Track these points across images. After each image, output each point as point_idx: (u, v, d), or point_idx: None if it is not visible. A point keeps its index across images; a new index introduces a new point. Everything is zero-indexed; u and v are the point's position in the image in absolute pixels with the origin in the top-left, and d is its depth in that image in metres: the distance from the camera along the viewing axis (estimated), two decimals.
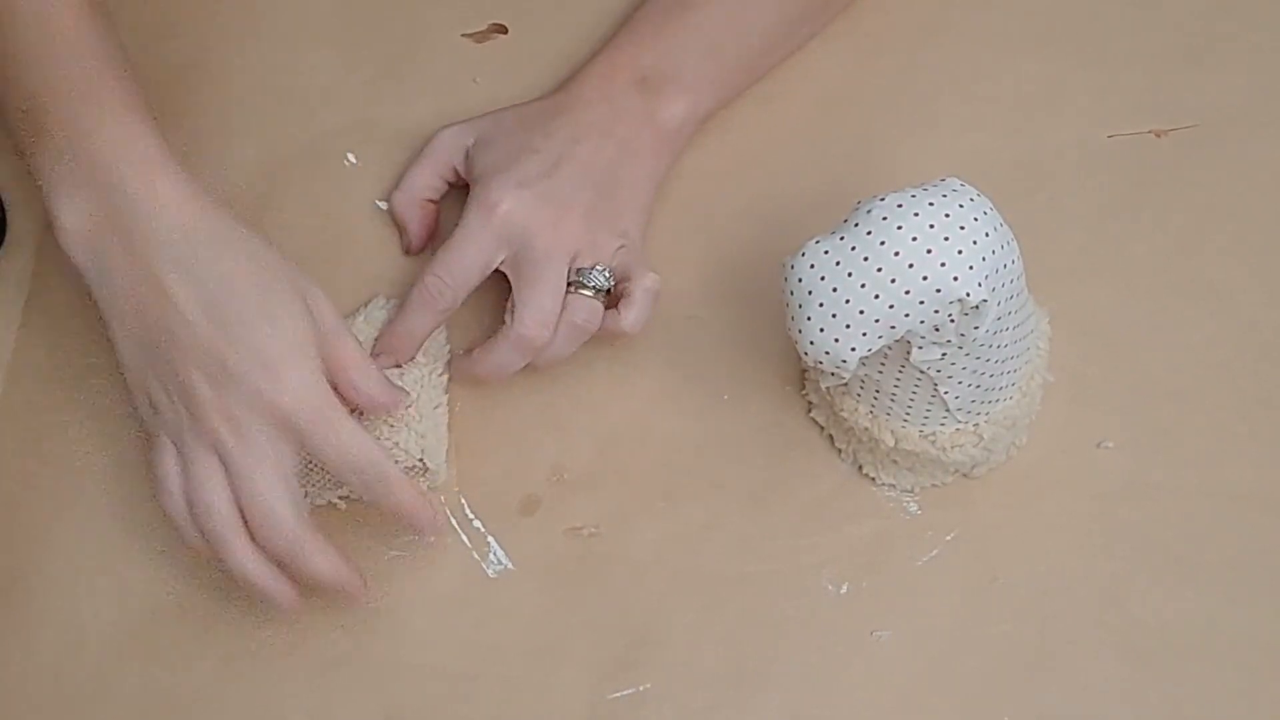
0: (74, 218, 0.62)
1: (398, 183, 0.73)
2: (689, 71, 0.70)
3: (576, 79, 0.71)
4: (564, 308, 0.67)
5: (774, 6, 0.72)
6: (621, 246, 0.68)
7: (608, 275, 0.67)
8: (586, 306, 0.67)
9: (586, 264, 0.67)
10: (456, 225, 0.68)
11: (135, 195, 0.62)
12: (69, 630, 0.68)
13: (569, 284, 0.67)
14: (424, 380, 0.69)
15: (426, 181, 0.72)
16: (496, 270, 0.68)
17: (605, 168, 0.68)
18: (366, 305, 0.72)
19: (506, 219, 0.66)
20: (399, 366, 0.69)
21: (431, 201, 0.73)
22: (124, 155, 0.63)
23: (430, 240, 0.74)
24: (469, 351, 0.70)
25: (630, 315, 0.67)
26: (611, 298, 0.68)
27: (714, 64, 0.71)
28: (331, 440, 0.61)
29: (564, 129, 0.69)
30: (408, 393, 0.66)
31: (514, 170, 0.67)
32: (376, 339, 0.69)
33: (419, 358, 0.69)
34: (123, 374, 0.64)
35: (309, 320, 0.62)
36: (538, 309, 0.66)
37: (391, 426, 0.67)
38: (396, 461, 0.66)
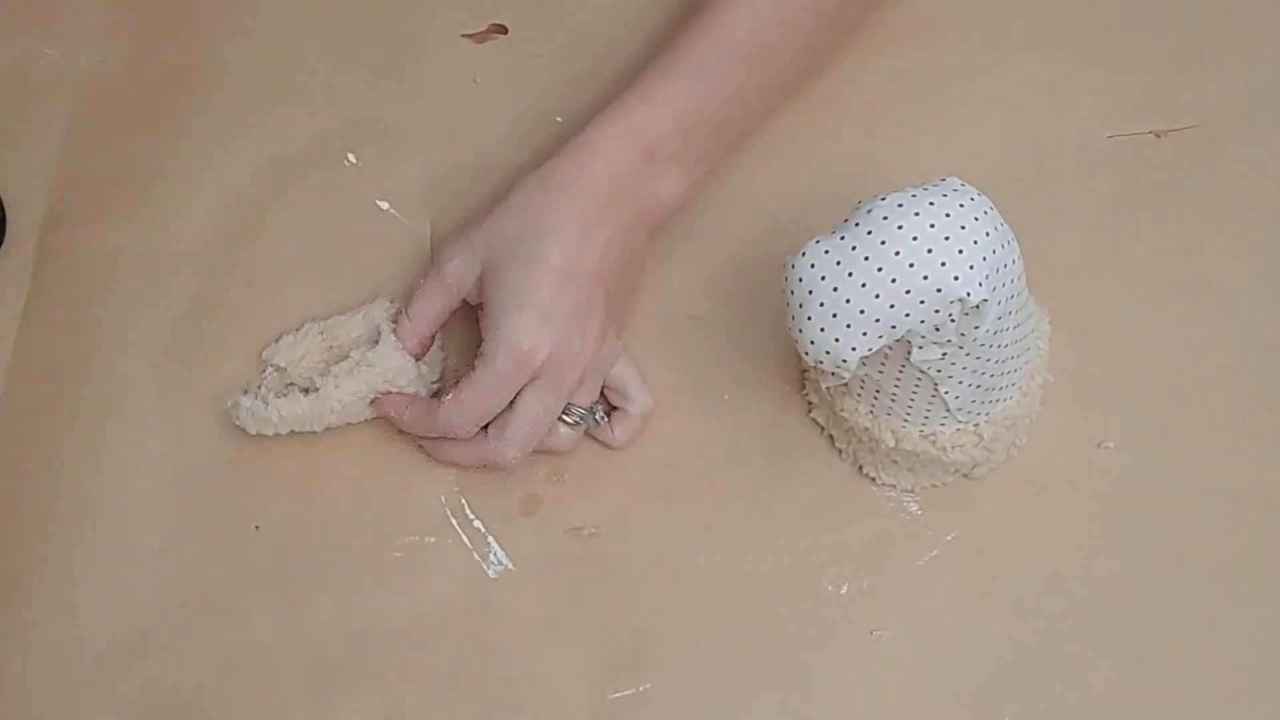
0: None
1: (406, 305, 0.69)
2: (694, 147, 0.69)
3: (589, 140, 0.67)
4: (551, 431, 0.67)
5: (780, 78, 0.71)
6: (620, 345, 0.69)
7: (597, 415, 0.68)
8: (568, 435, 0.68)
9: (586, 396, 0.67)
10: (479, 359, 0.65)
11: None
12: (69, 630, 0.68)
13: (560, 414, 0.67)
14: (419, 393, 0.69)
15: (436, 315, 0.69)
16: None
17: (613, 272, 0.67)
18: (371, 304, 0.72)
19: (536, 358, 0.64)
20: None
21: (431, 335, 0.70)
22: None
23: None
24: (439, 395, 0.68)
25: (622, 434, 0.69)
26: (607, 404, 0.70)
27: (718, 138, 0.70)
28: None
29: (574, 227, 0.65)
30: None
31: (536, 303, 0.64)
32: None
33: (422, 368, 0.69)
34: None
35: None
36: (525, 438, 0.66)
37: None
38: None
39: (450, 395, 0.65)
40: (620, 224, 0.67)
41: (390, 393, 0.68)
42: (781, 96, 0.73)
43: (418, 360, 0.69)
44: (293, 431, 0.69)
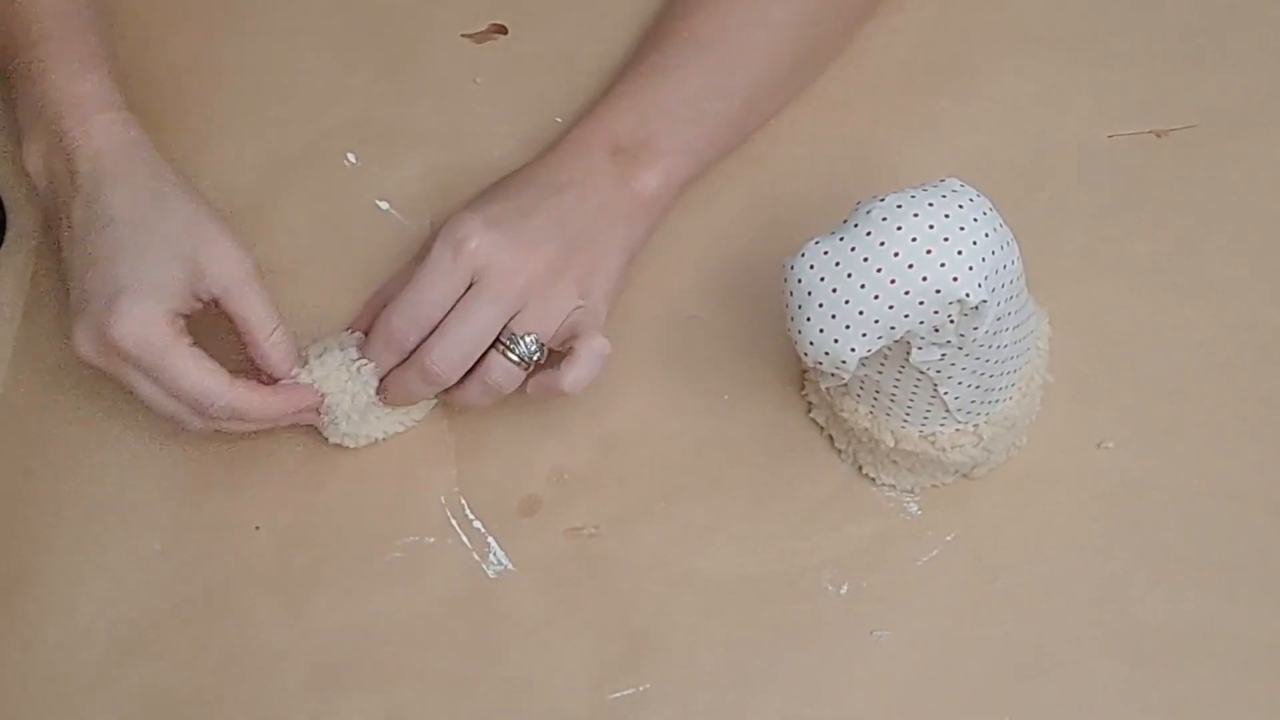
0: (33, 160, 0.67)
1: (384, 286, 0.71)
2: (665, 138, 0.69)
3: (554, 147, 0.70)
4: (484, 364, 0.65)
5: (757, 66, 0.71)
6: (579, 307, 0.66)
7: (536, 347, 0.65)
8: (503, 369, 0.65)
9: (529, 324, 0.65)
10: (420, 261, 0.66)
11: (71, 137, 0.65)
12: (69, 630, 0.68)
13: (498, 340, 0.65)
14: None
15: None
16: None
17: (578, 225, 0.66)
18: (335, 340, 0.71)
19: (474, 255, 0.64)
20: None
21: None
22: (66, 99, 0.66)
23: None
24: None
25: (571, 374, 0.64)
26: (557, 354, 0.66)
27: (692, 130, 0.70)
28: (164, 375, 0.63)
29: (538, 187, 0.67)
30: (317, 392, 0.67)
31: (483, 210, 0.66)
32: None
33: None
34: None
35: (185, 265, 0.63)
36: (452, 350, 0.65)
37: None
38: None
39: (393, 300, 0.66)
40: (587, 196, 0.67)
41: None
42: (771, 85, 0.72)
43: None
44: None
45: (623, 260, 0.69)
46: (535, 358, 0.66)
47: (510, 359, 0.65)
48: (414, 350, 0.66)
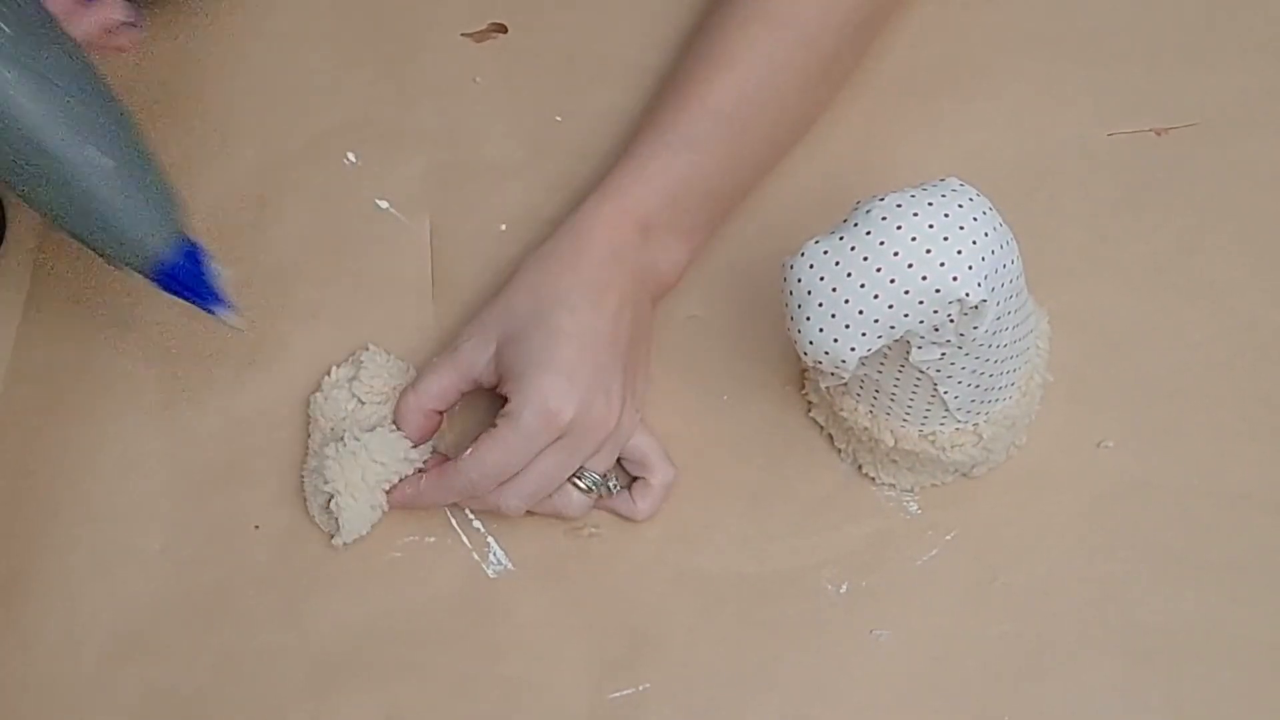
0: None
1: (415, 383, 0.68)
2: (688, 218, 0.69)
3: (583, 222, 0.68)
4: (560, 495, 0.66)
5: (771, 140, 0.71)
6: (638, 416, 0.68)
7: (612, 484, 0.68)
8: (580, 502, 0.67)
9: (601, 464, 0.66)
10: (504, 417, 0.64)
11: None
12: (69, 630, 0.68)
13: (573, 477, 0.66)
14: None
15: (444, 393, 0.68)
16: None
17: (626, 340, 0.67)
18: (359, 360, 0.71)
19: (558, 416, 0.64)
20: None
21: (438, 412, 0.69)
22: None
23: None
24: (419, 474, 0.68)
25: (645, 506, 0.68)
26: (626, 476, 0.69)
27: (711, 207, 0.70)
28: None
29: (583, 299, 0.66)
30: None
31: (558, 367, 0.64)
32: (393, 491, 0.68)
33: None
34: None
35: None
36: (532, 492, 0.65)
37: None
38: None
39: (470, 451, 0.65)
40: (625, 294, 0.67)
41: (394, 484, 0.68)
42: (773, 158, 0.73)
43: (416, 445, 0.68)
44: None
45: (651, 342, 0.71)
46: (612, 491, 0.68)
47: (580, 487, 0.67)
48: None
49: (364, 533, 0.68)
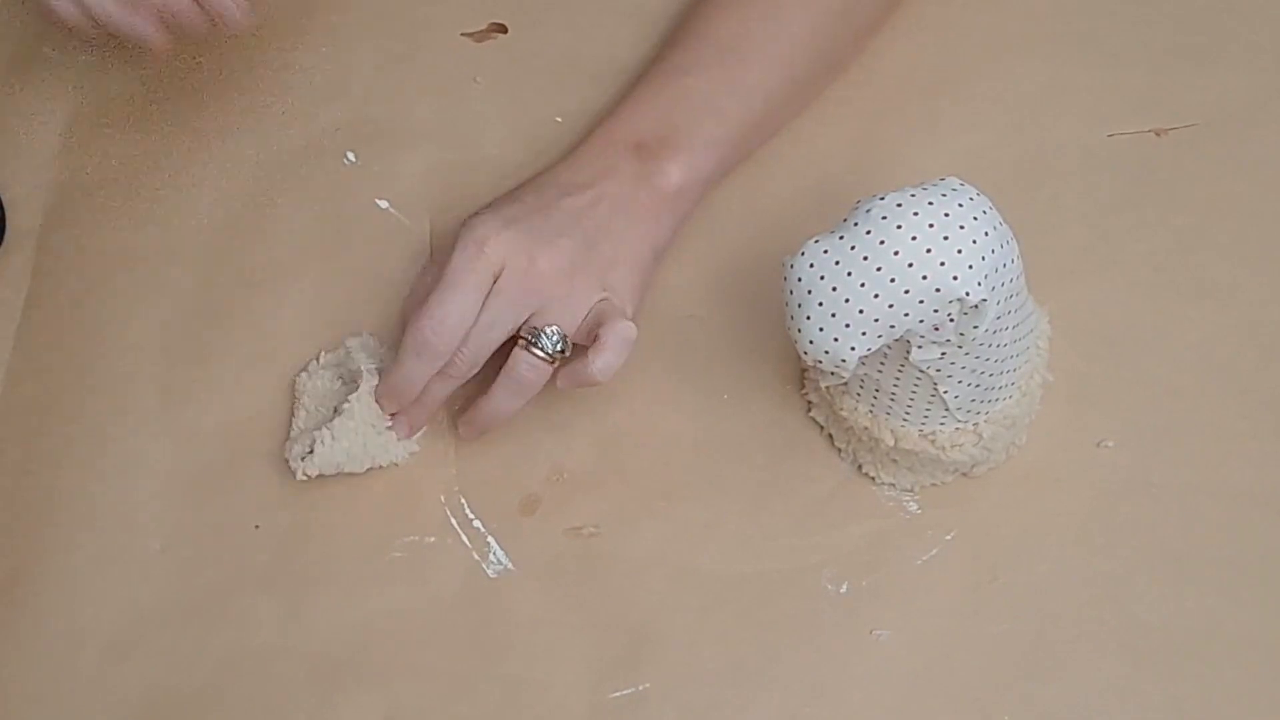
0: None
1: (408, 295, 0.71)
2: (685, 134, 0.69)
3: (578, 147, 0.70)
4: (509, 362, 0.66)
5: (776, 70, 0.71)
6: (603, 299, 0.66)
7: (559, 338, 0.65)
8: (529, 364, 0.65)
9: (550, 319, 0.65)
10: (443, 267, 0.66)
11: None
12: (69, 630, 0.68)
13: (520, 338, 0.65)
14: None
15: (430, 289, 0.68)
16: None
17: (597, 220, 0.67)
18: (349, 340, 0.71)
19: (484, 246, 0.64)
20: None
21: None
22: None
23: None
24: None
25: (599, 360, 0.64)
26: (581, 350, 0.66)
27: (713, 126, 0.70)
28: None
29: (558, 186, 0.68)
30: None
31: (502, 209, 0.66)
32: (380, 389, 0.68)
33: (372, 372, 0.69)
34: None
35: None
36: (472, 343, 0.65)
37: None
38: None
39: (417, 311, 0.65)
40: (606, 193, 0.67)
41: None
42: (787, 91, 0.72)
43: None
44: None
45: (646, 255, 0.69)
46: (559, 349, 0.66)
47: (535, 354, 0.65)
48: (447, 358, 0.66)
49: (328, 471, 0.68)
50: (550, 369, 0.66)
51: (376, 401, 0.69)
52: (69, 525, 0.70)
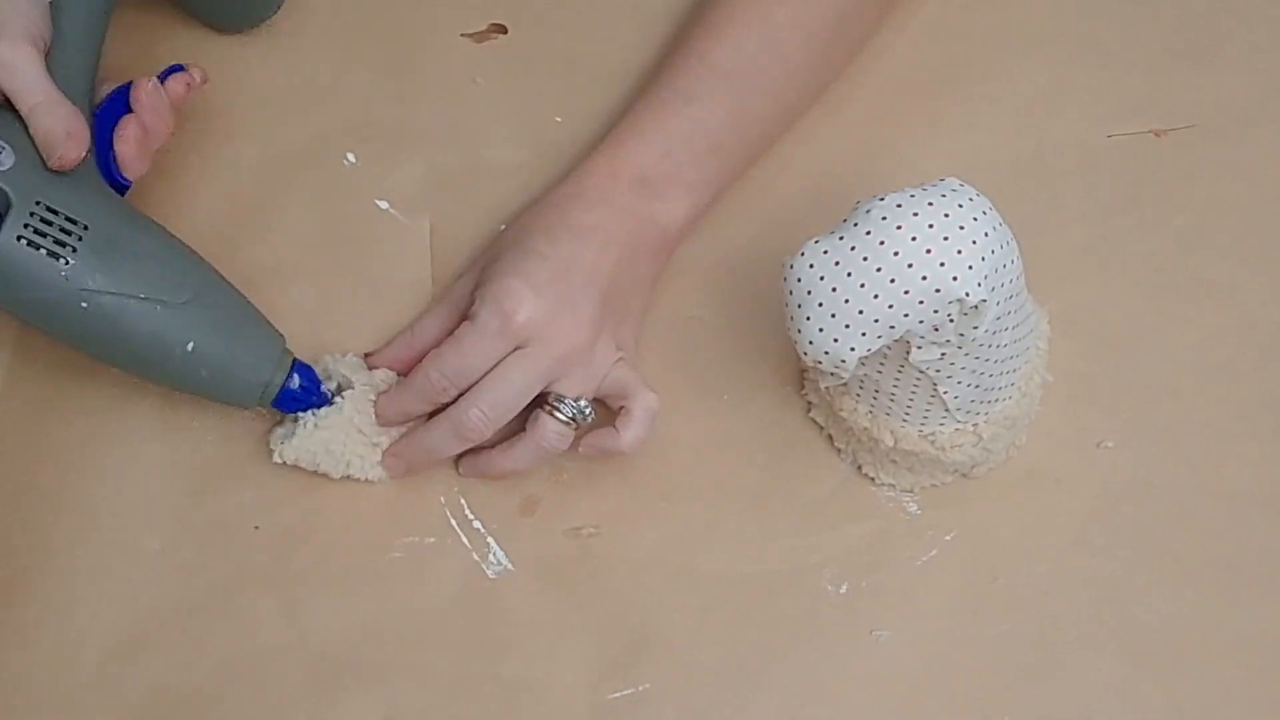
0: None
1: (412, 324, 0.71)
2: (690, 171, 0.69)
3: (578, 175, 0.69)
4: (535, 426, 0.66)
5: (773, 99, 0.71)
6: (620, 359, 0.67)
7: (588, 409, 0.66)
8: (556, 431, 0.66)
9: (574, 388, 0.66)
10: (459, 315, 0.67)
11: None
12: (69, 630, 0.68)
13: (546, 405, 0.66)
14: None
15: (442, 330, 0.69)
16: None
17: (609, 274, 0.67)
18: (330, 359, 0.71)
19: (524, 326, 0.64)
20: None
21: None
22: None
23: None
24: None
25: (629, 434, 0.66)
26: (610, 416, 0.67)
27: (715, 162, 0.70)
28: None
29: (566, 233, 0.67)
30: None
31: (525, 275, 0.65)
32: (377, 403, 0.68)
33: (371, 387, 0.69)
34: None
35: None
36: (491, 410, 0.65)
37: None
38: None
39: (432, 352, 0.66)
40: (613, 236, 0.67)
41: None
42: (781, 118, 0.73)
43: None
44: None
45: (647, 299, 0.70)
46: (586, 417, 0.66)
47: (560, 419, 0.66)
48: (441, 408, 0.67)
49: (305, 463, 0.68)
50: (573, 435, 0.67)
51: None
52: (69, 525, 0.70)
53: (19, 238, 0.62)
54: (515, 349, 0.65)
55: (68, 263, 0.62)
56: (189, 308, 0.65)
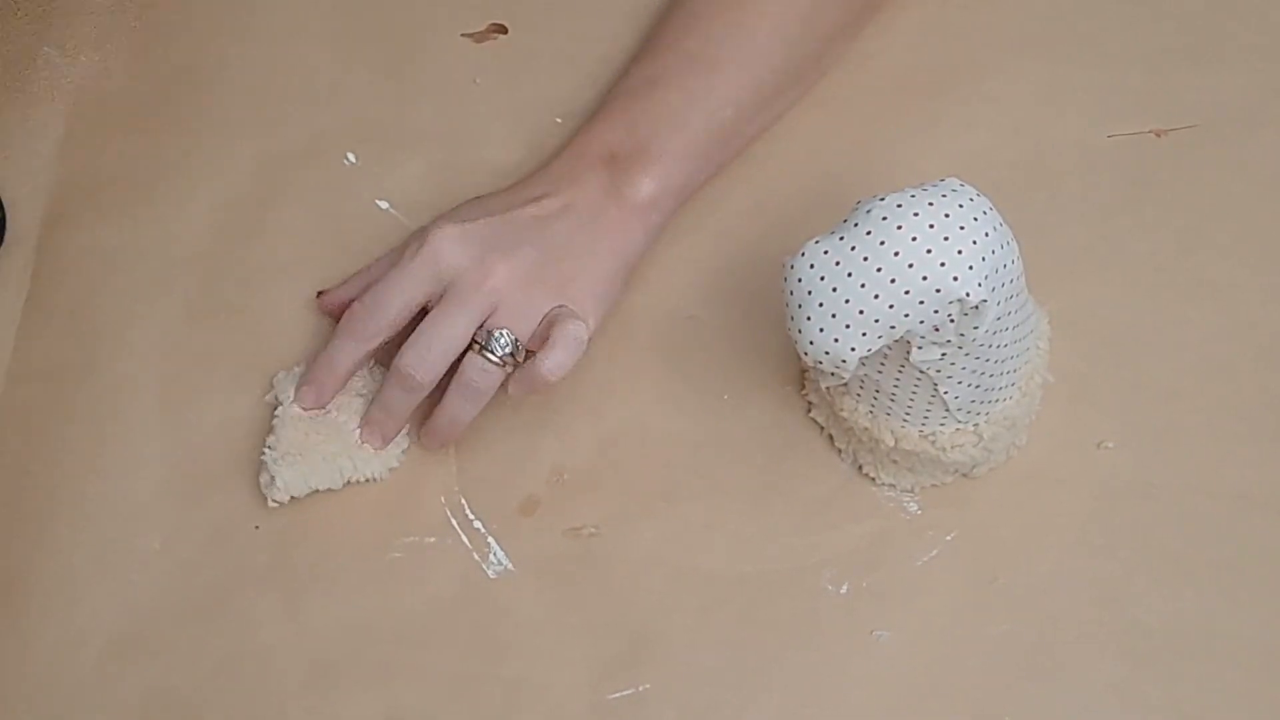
0: None
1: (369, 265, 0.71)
2: (656, 145, 0.69)
3: (547, 162, 0.71)
4: (460, 366, 0.65)
5: (741, 82, 0.71)
6: (559, 307, 0.66)
7: (510, 342, 0.65)
8: (479, 368, 0.65)
9: (502, 324, 0.65)
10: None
11: None
12: (69, 630, 0.68)
13: (473, 343, 0.65)
14: (357, 413, 0.69)
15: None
16: None
17: (559, 232, 0.67)
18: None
19: (438, 254, 0.65)
20: (322, 409, 0.69)
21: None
22: None
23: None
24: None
25: (549, 360, 0.63)
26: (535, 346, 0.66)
27: (683, 137, 0.70)
28: None
29: (523, 199, 0.68)
30: None
31: (458, 214, 0.67)
32: (312, 368, 0.69)
33: (353, 391, 0.69)
34: None
35: None
36: (422, 348, 0.65)
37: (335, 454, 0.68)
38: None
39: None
40: (571, 205, 0.68)
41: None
42: (759, 102, 0.72)
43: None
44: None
45: (612, 267, 0.69)
46: (510, 353, 0.65)
47: (486, 358, 0.65)
48: (374, 344, 0.67)
49: (301, 494, 0.68)
50: (501, 373, 0.66)
51: (302, 396, 0.68)
52: (69, 525, 0.70)
53: None
54: (445, 290, 0.65)
55: None
56: None
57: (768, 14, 0.71)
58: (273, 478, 0.68)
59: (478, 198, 0.71)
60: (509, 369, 0.66)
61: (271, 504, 0.68)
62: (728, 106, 0.71)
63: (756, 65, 0.71)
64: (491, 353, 0.65)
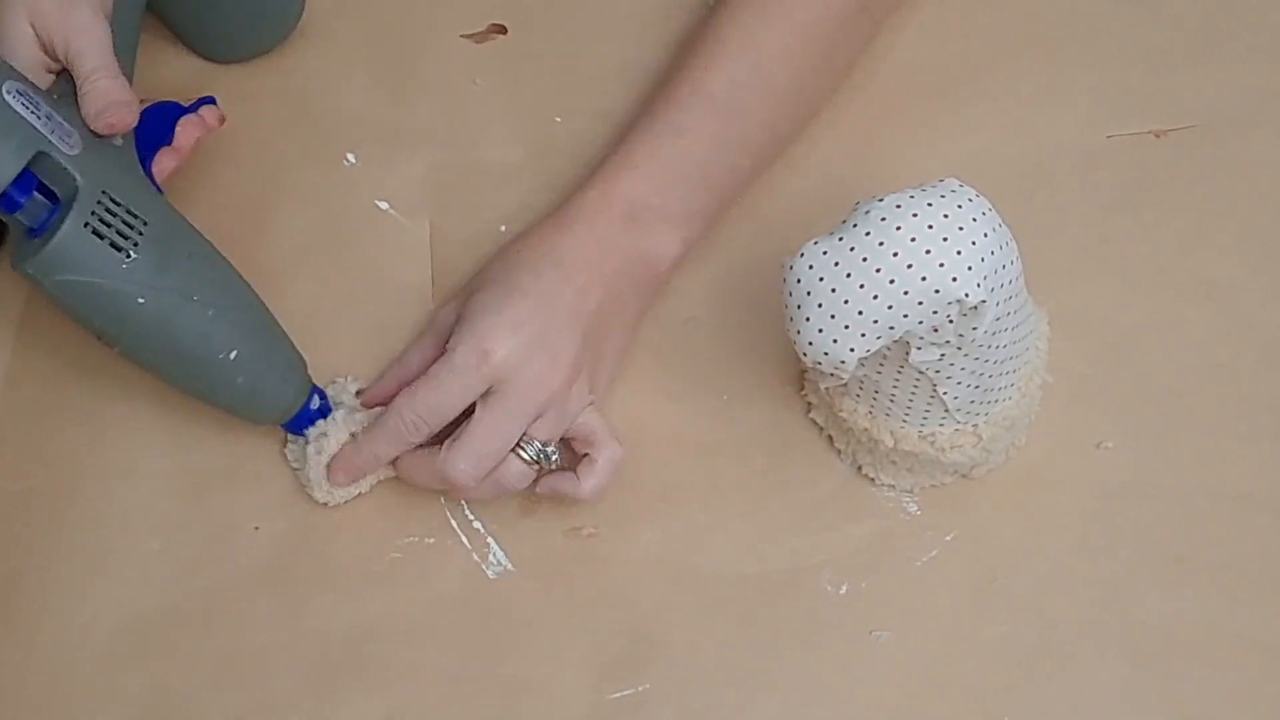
0: None
1: (399, 357, 0.71)
2: (681, 205, 0.68)
3: (568, 209, 0.68)
4: (501, 464, 0.65)
5: (764, 128, 0.71)
6: (591, 403, 0.67)
7: (555, 454, 0.66)
8: (520, 472, 0.65)
9: (545, 432, 0.65)
10: (441, 358, 0.65)
11: None
12: (69, 630, 0.68)
13: (515, 444, 0.65)
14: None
15: (425, 363, 0.68)
16: None
17: (591, 314, 0.66)
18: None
19: (501, 365, 0.64)
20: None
21: None
22: None
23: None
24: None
25: (590, 483, 0.66)
26: (574, 458, 0.67)
27: (706, 194, 0.69)
28: None
29: (551, 268, 0.66)
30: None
31: (505, 312, 0.64)
32: (334, 456, 0.68)
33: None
34: None
35: None
36: (477, 464, 0.64)
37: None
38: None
39: (405, 391, 0.66)
40: (600, 274, 0.66)
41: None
42: (772, 146, 0.72)
43: None
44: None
45: (630, 338, 0.70)
46: (551, 461, 0.66)
47: (525, 459, 0.65)
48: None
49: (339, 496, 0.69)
50: (534, 476, 0.66)
51: (334, 474, 0.69)
52: (69, 525, 0.70)
53: (85, 224, 0.61)
54: (490, 387, 0.64)
55: (129, 256, 0.62)
56: (234, 316, 0.65)
57: (790, 53, 0.70)
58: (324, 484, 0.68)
59: (509, 259, 0.68)
60: (542, 470, 0.66)
61: (328, 501, 0.69)
62: (748, 155, 0.71)
63: (777, 110, 0.71)
64: (530, 456, 0.65)
